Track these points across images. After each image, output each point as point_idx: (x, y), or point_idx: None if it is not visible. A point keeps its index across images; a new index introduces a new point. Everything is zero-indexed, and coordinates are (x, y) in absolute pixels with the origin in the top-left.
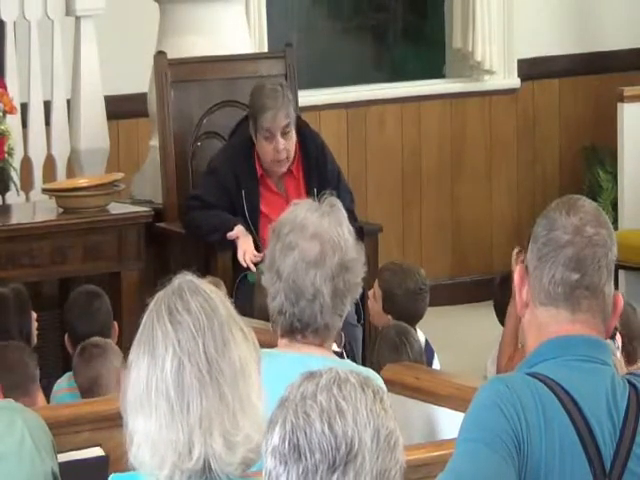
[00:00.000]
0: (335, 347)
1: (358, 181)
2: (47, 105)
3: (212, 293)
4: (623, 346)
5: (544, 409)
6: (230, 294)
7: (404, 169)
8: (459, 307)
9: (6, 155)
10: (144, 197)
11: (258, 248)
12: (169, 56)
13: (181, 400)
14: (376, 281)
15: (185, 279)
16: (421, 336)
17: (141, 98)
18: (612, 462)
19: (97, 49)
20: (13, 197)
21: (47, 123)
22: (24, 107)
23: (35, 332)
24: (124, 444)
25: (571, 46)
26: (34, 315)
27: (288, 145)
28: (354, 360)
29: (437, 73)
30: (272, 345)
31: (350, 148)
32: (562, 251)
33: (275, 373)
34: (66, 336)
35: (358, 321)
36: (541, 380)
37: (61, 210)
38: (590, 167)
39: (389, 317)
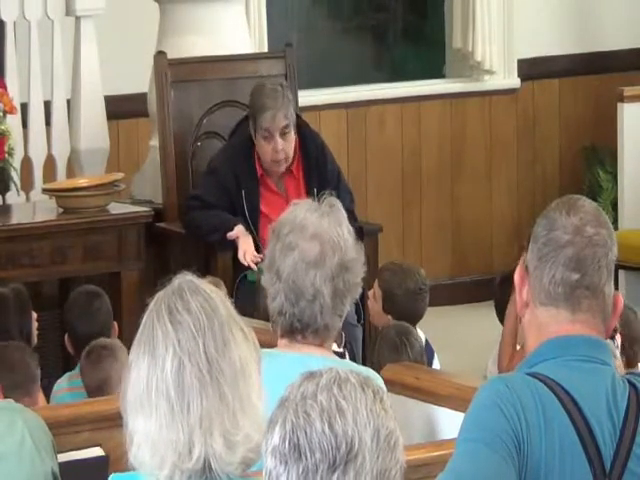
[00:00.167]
0: (335, 347)
1: (358, 181)
2: (47, 105)
3: (212, 293)
4: (623, 349)
5: (544, 409)
6: (230, 294)
7: (404, 169)
8: (459, 307)
9: (6, 155)
10: (144, 197)
11: (258, 248)
12: (169, 56)
13: (181, 400)
14: (376, 281)
15: (185, 279)
16: (421, 336)
17: (141, 98)
18: (612, 462)
19: (97, 49)
20: (13, 197)
21: (47, 123)
22: (24, 107)
23: (35, 332)
24: (124, 444)
25: (571, 46)
26: (34, 315)
27: (286, 146)
28: (354, 360)
29: (437, 73)
30: (272, 345)
31: (350, 148)
32: (562, 251)
33: (275, 373)
34: (66, 336)
35: (358, 321)
36: (541, 380)
37: (61, 210)
38: (590, 167)
39: (389, 317)
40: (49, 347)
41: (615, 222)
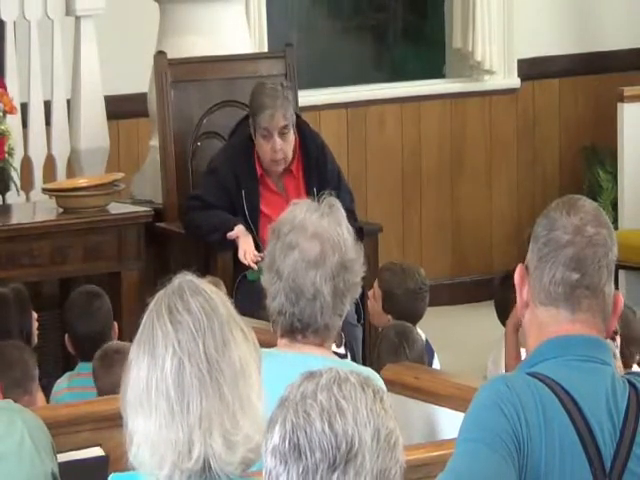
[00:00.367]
0: (335, 347)
1: (358, 181)
2: (47, 105)
3: (212, 293)
4: (620, 350)
5: (544, 409)
6: (230, 294)
7: (404, 169)
8: (459, 307)
9: (6, 155)
10: (144, 197)
11: (258, 248)
12: (169, 56)
13: (181, 400)
14: (376, 281)
15: (185, 279)
16: (421, 336)
17: (141, 98)
18: (612, 462)
19: (97, 49)
20: (13, 197)
21: (47, 123)
22: (24, 107)
23: (35, 332)
24: (124, 444)
25: (571, 46)
26: (34, 315)
27: (285, 146)
28: (355, 360)
29: (437, 73)
30: (272, 345)
31: (350, 148)
32: (562, 251)
33: (275, 373)
34: (66, 336)
35: (358, 321)
36: (541, 380)
37: (61, 210)
38: (590, 167)
39: (389, 317)
40: (49, 347)
41: (615, 222)
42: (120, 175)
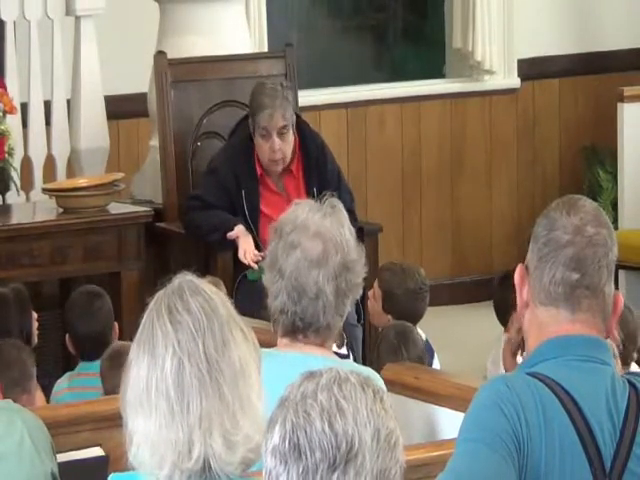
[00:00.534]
0: (336, 348)
1: (358, 181)
2: (47, 105)
3: (212, 293)
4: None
5: (544, 409)
6: (230, 294)
7: (404, 169)
8: (459, 307)
9: (6, 155)
10: (144, 197)
11: (258, 248)
12: (169, 56)
13: (181, 400)
14: (376, 281)
15: (185, 279)
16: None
17: (141, 98)
18: (612, 462)
19: (97, 49)
20: (13, 197)
21: (47, 123)
22: (24, 107)
23: (35, 332)
24: (124, 444)
25: (571, 46)
26: (34, 315)
27: (284, 146)
28: (354, 360)
29: (437, 73)
30: (272, 345)
31: (350, 148)
32: (562, 251)
33: (275, 373)
34: (67, 336)
35: (358, 321)
36: (541, 380)
37: (61, 210)
38: (590, 167)
39: (389, 317)
40: (49, 347)
41: (615, 222)
42: (120, 175)
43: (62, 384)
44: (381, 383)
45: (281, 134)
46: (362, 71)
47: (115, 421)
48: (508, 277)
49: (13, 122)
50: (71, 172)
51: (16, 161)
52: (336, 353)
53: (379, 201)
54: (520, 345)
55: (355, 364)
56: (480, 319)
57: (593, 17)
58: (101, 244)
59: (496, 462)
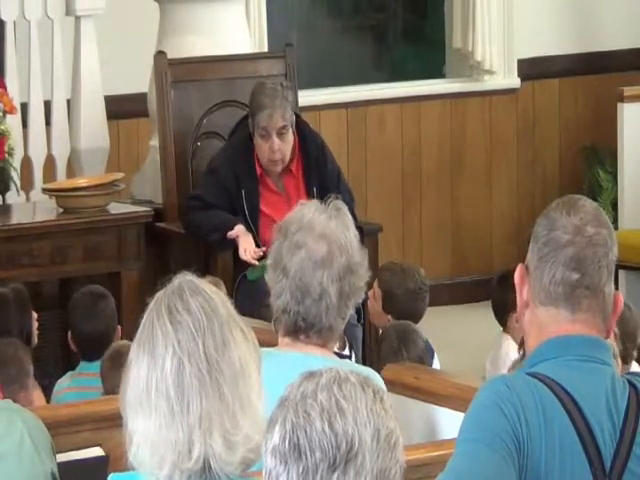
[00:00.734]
0: (338, 350)
1: (358, 181)
2: (47, 105)
3: (212, 293)
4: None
5: (544, 409)
6: (230, 294)
7: (404, 169)
8: (459, 307)
9: (6, 155)
10: (144, 197)
11: (258, 247)
12: (169, 56)
13: (181, 400)
14: (376, 281)
15: (185, 279)
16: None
17: (141, 98)
18: (612, 462)
19: (97, 49)
20: (13, 197)
21: (47, 123)
22: (24, 107)
23: (35, 332)
24: (124, 444)
25: (571, 46)
26: (34, 315)
27: (283, 147)
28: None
29: (437, 73)
30: (272, 345)
31: (350, 148)
32: (562, 251)
33: (275, 373)
34: (69, 333)
35: (358, 321)
36: (541, 380)
37: (61, 210)
38: (590, 167)
39: (389, 317)
40: (49, 347)
41: (615, 222)
42: (120, 175)
43: (63, 383)
44: (381, 383)
45: (280, 134)
46: (362, 71)
47: (115, 421)
48: (507, 277)
49: (13, 122)
50: (71, 172)
51: (16, 161)
52: (338, 353)
53: (379, 201)
54: None
55: (355, 364)
56: (480, 319)
57: (593, 17)
58: (101, 244)
59: (496, 462)
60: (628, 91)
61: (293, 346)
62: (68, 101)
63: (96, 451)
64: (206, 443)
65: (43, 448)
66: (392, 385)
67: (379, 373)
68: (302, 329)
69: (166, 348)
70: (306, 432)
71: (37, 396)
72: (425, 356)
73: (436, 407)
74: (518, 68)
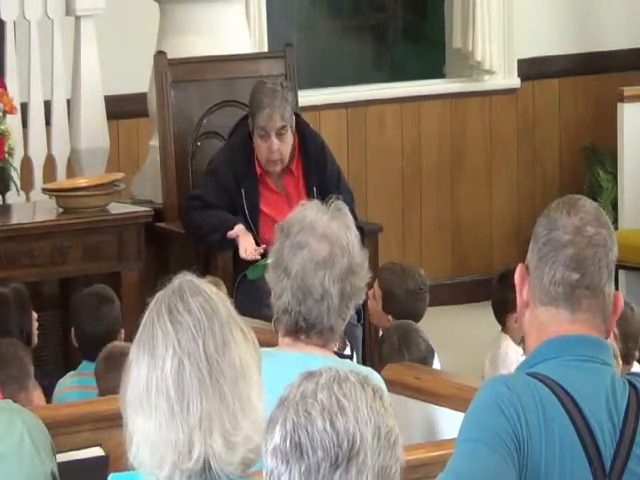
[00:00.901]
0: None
1: (358, 181)
2: (47, 105)
3: (212, 293)
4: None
5: (544, 409)
6: (230, 294)
7: (404, 169)
8: (459, 307)
9: (6, 155)
10: (144, 197)
11: (258, 247)
12: (169, 56)
13: (181, 400)
14: (376, 281)
15: (185, 279)
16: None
17: (141, 98)
18: (612, 462)
19: (97, 49)
20: (13, 197)
21: (47, 123)
22: (24, 107)
23: (35, 332)
24: (124, 444)
25: (571, 46)
26: (34, 315)
27: (282, 147)
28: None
29: (437, 73)
30: (272, 345)
31: (350, 148)
32: (562, 251)
33: (275, 373)
34: (73, 330)
35: (358, 321)
36: (541, 380)
37: (61, 210)
38: (590, 167)
39: (389, 317)
40: (49, 347)
41: (615, 222)
42: (120, 175)
43: (65, 383)
44: (381, 383)
45: (279, 135)
46: (362, 71)
47: (115, 421)
48: (507, 276)
49: (13, 122)
50: (71, 172)
51: (16, 161)
52: (338, 353)
53: (379, 201)
54: None
55: (355, 364)
56: (480, 319)
57: (593, 17)
58: (101, 244)
59: (496, 462)
60: (628, 91)
61: (294, 346)
62: (68, 101)
63: (96, 451)
64: (206, 443)
65: (43, 448)
66: (392, 385)
67: (380, 373)
68: (303, 329)
69: (166, 348)
70: (307, 431)
71: (37, 396)
72: (428, 356)
73: (436, 407)
74: (518, 68)
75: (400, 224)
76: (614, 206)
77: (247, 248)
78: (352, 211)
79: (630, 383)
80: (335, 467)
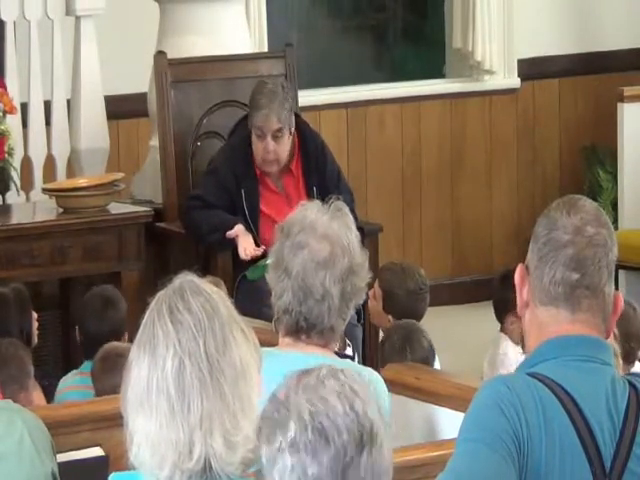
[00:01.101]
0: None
1: (358, 181)
2: (47, 105)
3: (213, 293)
4: (621, 346)
5: (544, 409)
6: (230, 294)
7: (404, 169)
8: (459, 307)
9: (6, 155)
10: (144, 197)
11: (258, 246)
12: (169, 56)
13: (182, 400)
14: (376, 281)
15: (186, 279)
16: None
17: (141, 98)
18: (612, 462)
19: (97, 49)
20: (13, 197)
21: (47, 123)
22: (24, 107)
23: (35, 332)
24: (124, 444)
25: (571, 46)
26: (34, 315)
27: (278, 148)
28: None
29: (437, 73)
30: (272, 345)
31: (350, 148)
32: (562, 251)
33: (276, 373)
34: (77, 327)
35: (358, 321)
36: (541, 380)
37: (61, 210)
38: (590, 167)
39: (389, 317)
40: (49, 347)
41: (615, 222)
42: (120, 175)
43: (67, 381)
44: (381, 383)
45: (275, 137)
46: (362, 71)
47: (115, 421)
48: (508, 276)
49: (13, 122)
50: (71, 172)
51: (16, 161)
52: (338, 353)
53: (379, 201)
54: None
55: (356, 364)
56: (480, 319)
57: (593, 17)
58: (101, 244)
59: (496, 462)
60: (628, 91)
61: (294, 346)
62: (68, 101)
63: (96, 451)
64: (207, 443)
65: (43, 448)
66: (393, 385)
67: (380, 373)
68: (304, 329)
69: (167, 348)
70: (329, 416)
71: (37, 396)
72: (430, 356)
73: (436, 407)
74: (518, 68)
75: (400, 224)
76: (614, 206)
77: (246, 248)
78: (352, 211)
79: (630, 383)
80: (361, 448)
